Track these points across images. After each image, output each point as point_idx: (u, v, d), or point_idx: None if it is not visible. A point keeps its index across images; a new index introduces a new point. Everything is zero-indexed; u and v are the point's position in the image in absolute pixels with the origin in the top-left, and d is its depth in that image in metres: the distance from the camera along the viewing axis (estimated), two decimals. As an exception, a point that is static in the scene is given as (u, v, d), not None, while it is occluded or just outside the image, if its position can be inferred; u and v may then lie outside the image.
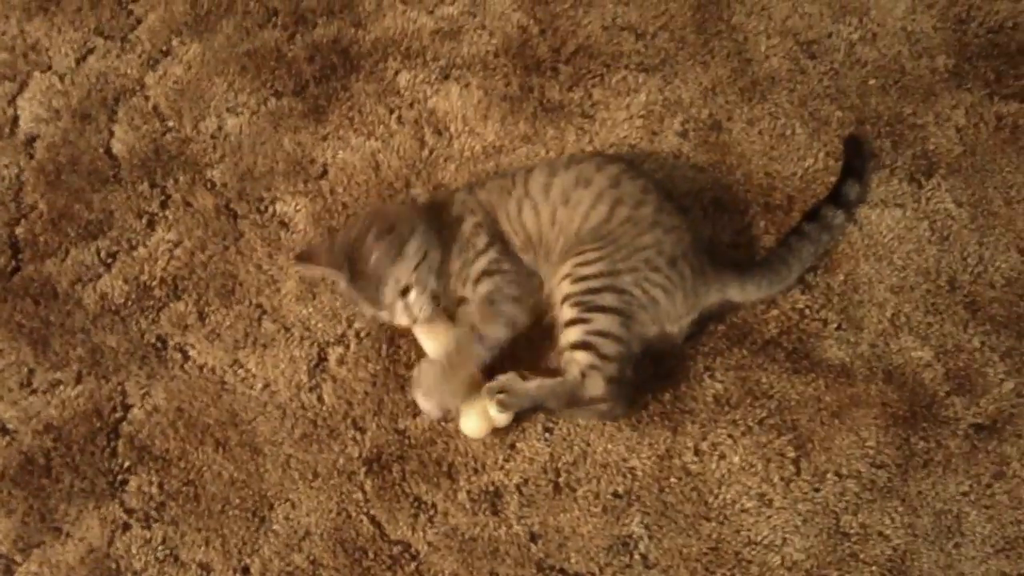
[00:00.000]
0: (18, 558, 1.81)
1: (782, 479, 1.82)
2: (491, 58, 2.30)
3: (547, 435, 1.89)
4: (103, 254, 2.11)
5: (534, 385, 1.82)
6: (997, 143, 2.11)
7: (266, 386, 1.97)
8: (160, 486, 1.87)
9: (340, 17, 2.38)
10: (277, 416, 1.94)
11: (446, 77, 2.29)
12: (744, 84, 2.22)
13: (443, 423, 1.88)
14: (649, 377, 1.91)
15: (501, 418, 1.85)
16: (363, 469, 1.88)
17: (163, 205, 2.17)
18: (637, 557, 1.77)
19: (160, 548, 1.82)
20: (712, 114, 2.20)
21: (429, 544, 1.80)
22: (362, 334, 2.00)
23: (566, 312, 1.82)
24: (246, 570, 1.80)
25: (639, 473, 1.85)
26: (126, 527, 1.84)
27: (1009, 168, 2.08)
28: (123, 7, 2.45)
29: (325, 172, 2.19)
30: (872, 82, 2.20)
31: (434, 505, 1.85)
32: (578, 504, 1.83)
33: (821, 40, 2.27)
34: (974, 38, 2.25)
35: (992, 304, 1.96)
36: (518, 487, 1.84)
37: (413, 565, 1.79)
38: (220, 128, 2.26)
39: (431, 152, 2.20)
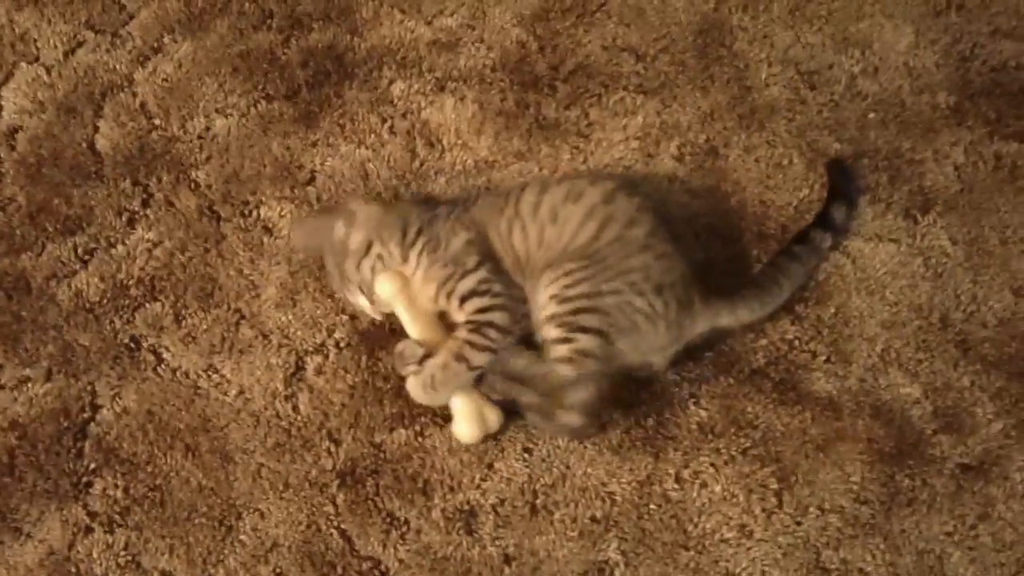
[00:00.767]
0: (-27, 558, 1.75)
1: (764, 511, 1.78)
2: (488, 72, 2.27)
3: (526, 455, 1.84)
4: (80, 251, 2.06)
5: (523, 362, 1.81)
6: (995, 182, 2.09)
7: (240, 393, 1.92)
8: (126, 490, 1.81)
9: (336, 23, 2.35)
10: (250, 424, 1.89)
11: (441, 89, 2.26)
12: (743, 111, 2.20)
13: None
14: (632, 402, 1.87)
15: (493, 419, 1.80)
16: (336, 482, 1.83)
17: (144, 204, 2.13)
18: (613, 585, 1.72)
19: (122, 553, 1.76)
20: (709, 139, 2.17)
21: (400, 561, 1.75)
22: (342, 344, 1.96)
23: (551, 331, 1.79)
24: (209, 581, 1.74)
25: (618, 498, 1.80)
26: (88, 530, 1.78)
27: (1006, 208, 2.06)
28: (115, 2, 2.41)
29: (313, 179, 2.15)
30: (872, 115, 2.18)
31: (407, 522, 1.79)
32: (555, 527, 1.78)
33: (822, 71, 2.25)
34: (976, 76, 2.23)
35: (984, 344, 1.93)
36: (494, 507, 1.80)
37: (382, 583, 1.73)
38: (208, 129, 2.22)
39: (422, 164, 2.16)
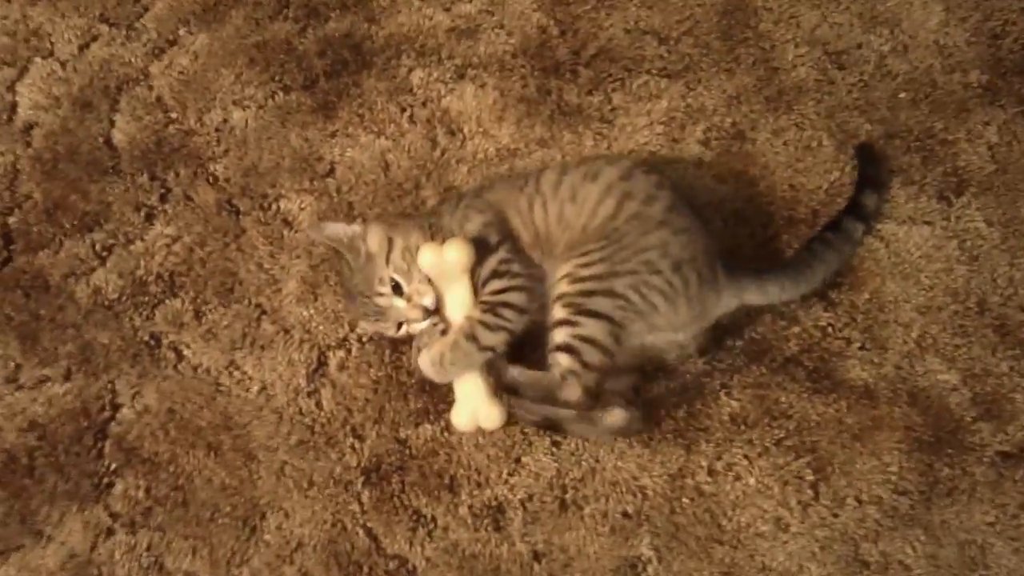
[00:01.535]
0: (-4, 561, 1.73)
1: (800, 503, 1.73)
2: (508, 58, 2.22)
3: (554, 449, 1.80)
4: (98, 247, 2.03)
5: (517, 370, 1.77)
6: (1030, 162, 2.03)
7: (263, 389, 1.89)
8: (147, 490, 1.78)
9: (353, 11, 2.31)
10: (273, 421, 1.86)
11: (461, 76, 2.21)
12: (770, 93, 2.15)
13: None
14: (662, 393, 1.83)
15: (493, 415, 1.76)
16: (360, 479, 1.79)
17: (163, 199, 2.09)
18: (646, 581, 1.68)
19: (145, 555, 1.73)
20: (736, 123, 2.12)
21: (427, 560, 1.71)
22: (364, 338, 1.92)
23: (557, 312, 1.74)
24: (234, 581, 1.71)
25: (650, 492, 1.76)
26: (110, 532, 1.76)
27: (1043, 188, 2.00)
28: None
29: (332, 170, 2.11)
30: (902, 95, 2.12)
31: (434, 519, 1.76)
32: (585, 523, 1.74)
33: (850, 51, 2.19)
34: (1008, 54, 2.17)
35: (1022, 328, 1.87)
36: (522, 503, 1.76)
37: (410, 582, 1.69)
38: (225, 121, 2.18)
39: (443, 153, 2.12)
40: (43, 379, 1.90)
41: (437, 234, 1.83)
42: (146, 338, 1.94)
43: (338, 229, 1.84)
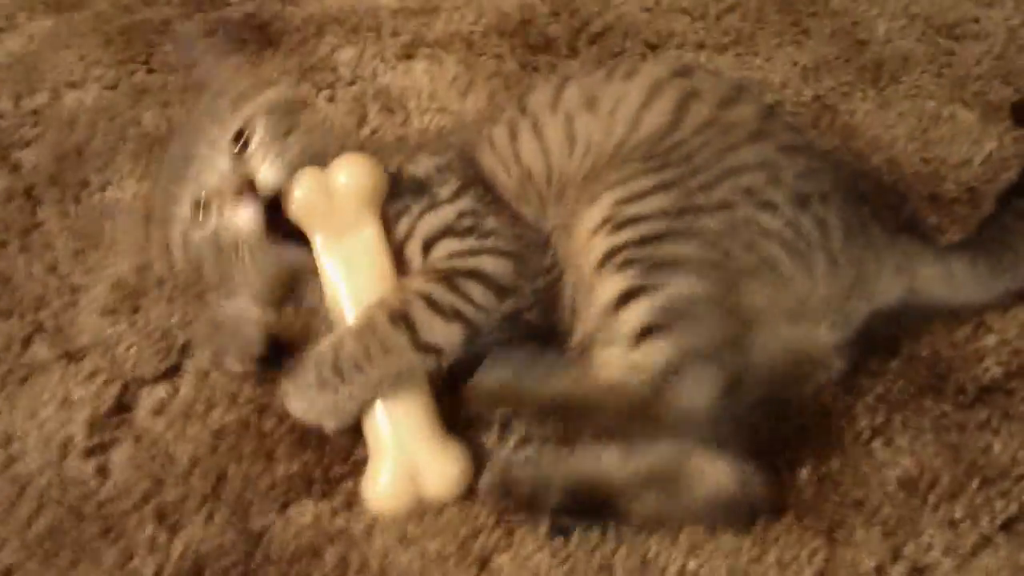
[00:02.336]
0: None
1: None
2: (477, 37, 1.56)
3: (557, 543, 0.89)
4: None
5: (555, 390, 0.91)
6: None
7: (5, 444, 1.01)
8: None
9: (264, -3, 1.66)
10: (9, 497, 0.95)
11: (409, 56, 1.53)
12: (863, 64, 1.47)
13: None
14: (782, 440, 0.96)
15: (447, 474, 0.89)
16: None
17: (-76, 190, 1.31)
18: None
19: None
20: (820, 96, 1.41)
21: None
22: (212, 368, 1.06)
23: (609, 284, 0.92)
24: None
25: (758, 624, 0.83)
26: None
27: None
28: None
29: (202, 152, 1.34)
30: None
31: None
32: None
33: (965, 24, 1.55)
34: None
35: None
36: None
37: None
38: (51, 103, 1.46)
39: (373, 132, 1.38)
40: None
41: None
42: None
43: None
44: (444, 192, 1.02)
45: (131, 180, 1.31)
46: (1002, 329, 1.06)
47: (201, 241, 0.98)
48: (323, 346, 0.93)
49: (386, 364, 0.91)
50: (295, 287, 1.02)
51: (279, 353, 0.99)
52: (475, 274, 0.97)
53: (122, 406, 1.04)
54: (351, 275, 0.96)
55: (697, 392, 0.88)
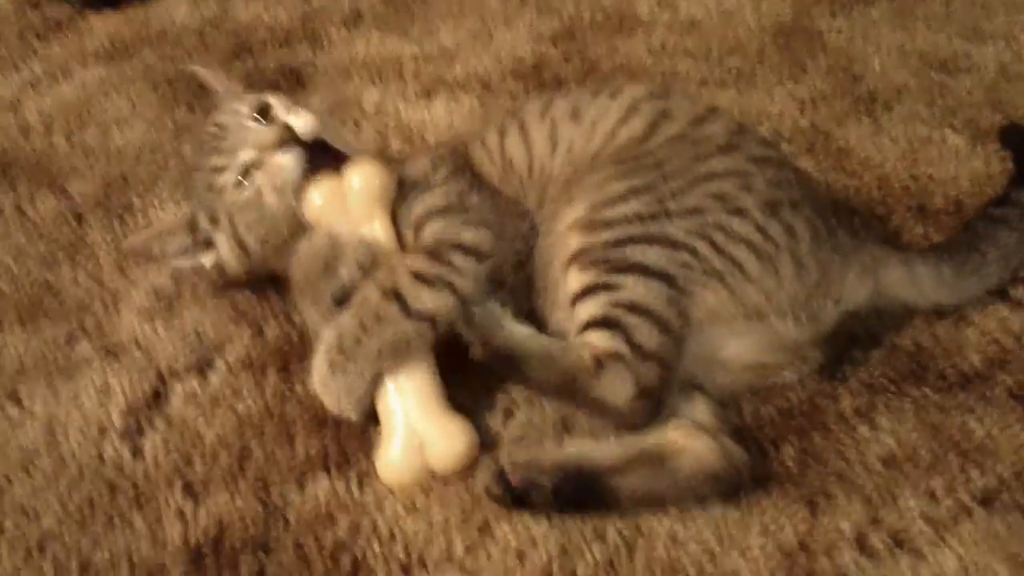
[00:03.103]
0: None
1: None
2: (493, 79, 1.67)
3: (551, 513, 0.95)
4: None
5: (524, 333, 1.00)
6: None
7: (47, 429, 1.08)
8: None
9: (297, 45, 1.80)
10: (49, 474, 1.04)
11: (428, 95, 1.64)
12: (859, 95, 1.56)
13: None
14: (754, 425, 1.02)
15: (454, 446, 0.96)
16: (180, 565, 0.93)
17: (-20, 214, 1.43)
18: None
19: None
20: (815, 124, 1.49)
21: None
22: (238, 361, 1.15)
23: (574, 278, 1.01)
24: None
25: (746, 584, 0.88)
26: None
27: None
28: (26, 43, 1.89)
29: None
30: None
31: (310, 637, 0.87)
32: (618, 639, 0.85)
33: (957, 59, 1.64)
34: None
35: None
36: None
37: None
38: (100, 139, 1.58)
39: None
40: None
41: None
42: None
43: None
44: (436, 178, 1.13)
45: (171, 204, 1.42)
46: (982, 323, 1.12)
47: (246, 203, 1.10)
48: (327, 333, 1.01)
49: (381, 333, 0.99)
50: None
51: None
52: (456, 245, 1.05)
53: (156, 395, 1.12)
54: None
55: (619, 388, 0.95)
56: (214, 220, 1.14)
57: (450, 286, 1.01)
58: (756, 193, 1.03)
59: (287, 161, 1.07)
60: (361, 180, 1.06)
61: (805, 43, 1.70)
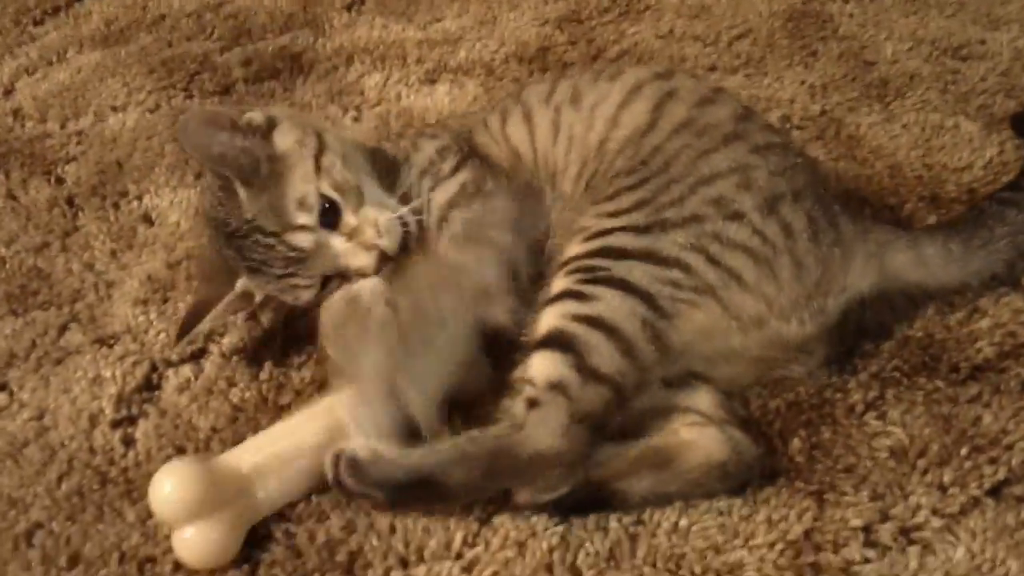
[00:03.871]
0: None
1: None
2: (497, 64, 1.64)
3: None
4: None
5: (417, 453, 0.90)
6: None
7: (39, 417, 1.06)
8: None
9: (298, 29, 1.77)
10: (38, 463, 1.01)
11: (432, 81, 1.61)
12: (870, 81, 1.54)
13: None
14: (759, 417, 0.99)
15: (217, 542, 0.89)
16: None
17: (-28, 199, 1.41)
18: None
19: None
20: (826, 111, 1.46)
21: None
22: (233, 350, 1.13)
23: (556, 284, 0.98)
24: None
25: (751, 578, 0.86)
26: None
27: None
28: (22, 28, 1.86)
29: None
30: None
31: (303, 632, 0.85)
32: (619, 634, 0.82)
33: (971, 46, 1.61)
34: None
35: None
36: None
37: None
38: (95, 125, 1.56)
39: (395, 145, 1.45)
40: None
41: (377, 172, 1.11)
42: None
43: (221, 119, 1.03)
44: (446, 168, 1.10)
45: (167, 190, 1.39)
46: (996, 314, 1.09)
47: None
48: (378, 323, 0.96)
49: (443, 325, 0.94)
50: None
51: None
52: (488, 224, 1.02)
53: (149, 384, 1.10)
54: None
55: (550, 421, 0.90)
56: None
57: (497, 263, 0.99)
58: (756, 191, 1.00)
59: (375, 286, 1.02)
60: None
61: (816, 28, 1.67)
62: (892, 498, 0.92)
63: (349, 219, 1.03)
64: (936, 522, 0.90)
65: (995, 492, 0.92)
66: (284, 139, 1.05)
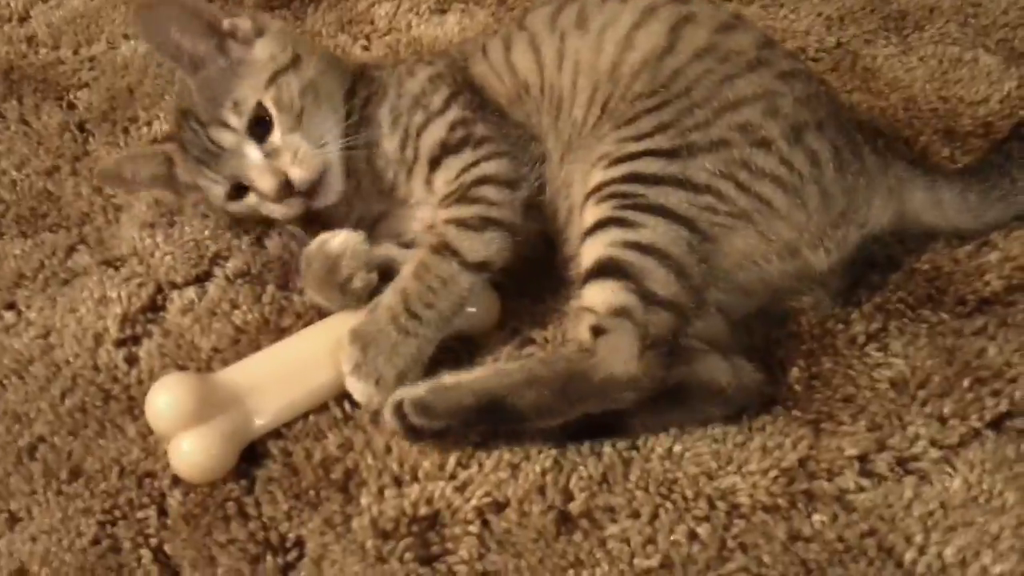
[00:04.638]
0: None
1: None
2: (511, -6, 1.60)
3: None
4: None
5: (482, 375, 0.92)
6: None
7: (44, 335, 1.08)
8: None
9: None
10: (42, 379, 1.03)
11: (443, 11, 1.58)
12: (888, 13, 1.49)
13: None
14: (766, 348, 0.99)
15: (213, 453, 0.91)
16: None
17: (-16, 124, 1.42)
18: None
19: None
20: (842, 43, 1.43)
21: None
22: (238, 273, 1.13)
23: (589, 212, 0.97)
24: None
25: (743, 504, 0.86)
26: None
27: None
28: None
29: (243, 93, 1.41)
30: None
31: (299, 542, 0.86)
32: (607, 555, 0.83)
33: (993, -22, 1.54)
34: None
35: None
36: (479, 514, 0.88)
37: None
38: (106, 52, 1.55)
39: (405, 74, 1.43)
40: None
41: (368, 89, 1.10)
42: None
43: (200, 5, 1.06)
44: (436, 102, 1.08)
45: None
46: (1006, 247, 1.07)
47: (237, 208, 1.07)
48: (385, 300, 0.96)
49: (448, 294, 0.95)
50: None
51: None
52: (482, 179, 1.01)
53: (154, 306, 1.11)
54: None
55: (622, 348, 0.89)
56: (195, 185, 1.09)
57: (495, 222, 0.98)
58: (782, 118, 0.99)
59: (282, 212, 1.04)
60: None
61: (835, -40, 1.62)
62: (890, 428, 0.91)
63: (275, 138, 1.02)
64: (934, 453, 0.89)
65: (996, 425, 0.91)
66: (263, 49, 1.06)
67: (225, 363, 1.02)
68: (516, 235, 1.00)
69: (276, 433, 0.95)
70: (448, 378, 0.92)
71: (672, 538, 0.85)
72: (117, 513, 0.90)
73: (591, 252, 0.94)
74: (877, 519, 0.85)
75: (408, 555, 0.85)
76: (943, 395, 0.93)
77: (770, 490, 0.87)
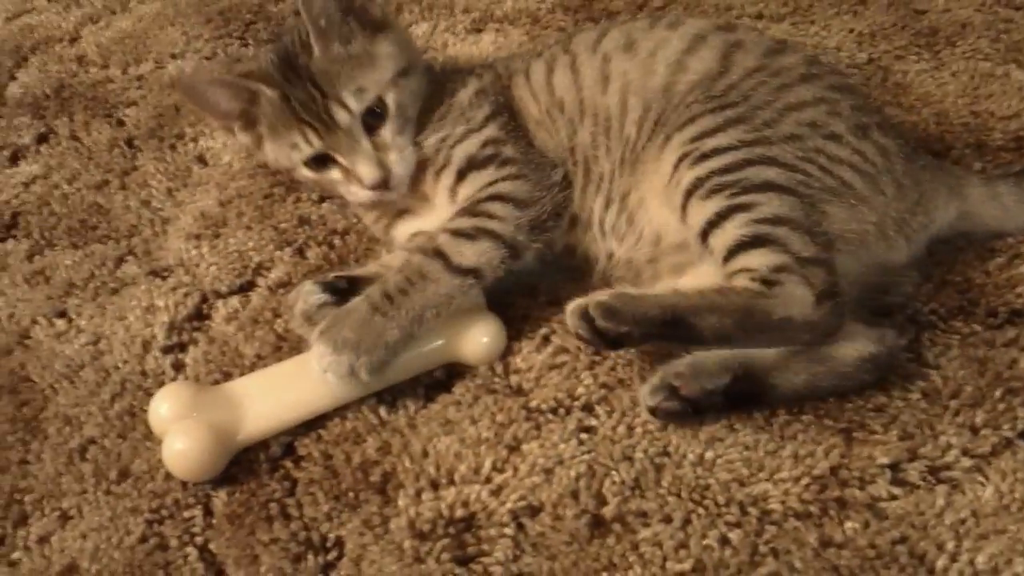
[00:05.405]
0: None
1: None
2: (543, 13, 1.65)
3: (582, 435, 0.95)
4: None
5: (665, 292, 0.96)
6: None
7: (94, 342, 1.12)
8: None
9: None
10: (92, 384, 1.06)
11: (479, 30, 1.62)
12: (919, 30, 1.50)
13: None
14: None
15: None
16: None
17: (40, 139, 1.49)
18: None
19: None
20: (873, 59, 1.45)
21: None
22: (279, 283, 1.16)
23: (697, 211, 0.98)
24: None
25: (775, 511, 0.87)
26: None
27: None
28: (84, -22, 1.92)
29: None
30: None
31: (339, 543, 0.88)
32: (640, 557, 0.84)
33: (1028, -4, 1.55)
34: None
35: None
36: (514, 518, 0.90)
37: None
38: (154, 71, 1.60)
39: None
40: None
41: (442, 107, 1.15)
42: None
43: None
44: (478, 117, 1.12)
45: (220, 133, 1.43)
46: (1033, 259, 1.08)
47: (308, 174, 1.11)
48: (368, 290, 0.99)
49: (425, 288, 0.98)
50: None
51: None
52: (493, 196, 1.05)
53: (199, 314, 1.14)
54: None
55: (799, 297, 0.91)
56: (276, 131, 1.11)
57: (491, 234, 1.01)
58: (845, 118, 1.02)
59: (365, 197, 1.09)
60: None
61: (868, -21, 1.64)
62: (922, 437, 0.92)
63: (385, 135, 1.07)
64: (966, 462, 0.90)
65: (1025, 434, 0.92)
66: (384, 45, 1.10)
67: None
68: (517, 252, 1.03)
69: (316, 437, 0.98)
70: (631, 289, 0.96)
71: (704, 543, 0.86)
72: (164, 512, 0.94)
73: (725, 238, 0.96)
74: (909, 527, 0.86)
75: (444, 556, 0.87)
76: (975, 405, 0.94)
77: (802, 497, 0.88)
